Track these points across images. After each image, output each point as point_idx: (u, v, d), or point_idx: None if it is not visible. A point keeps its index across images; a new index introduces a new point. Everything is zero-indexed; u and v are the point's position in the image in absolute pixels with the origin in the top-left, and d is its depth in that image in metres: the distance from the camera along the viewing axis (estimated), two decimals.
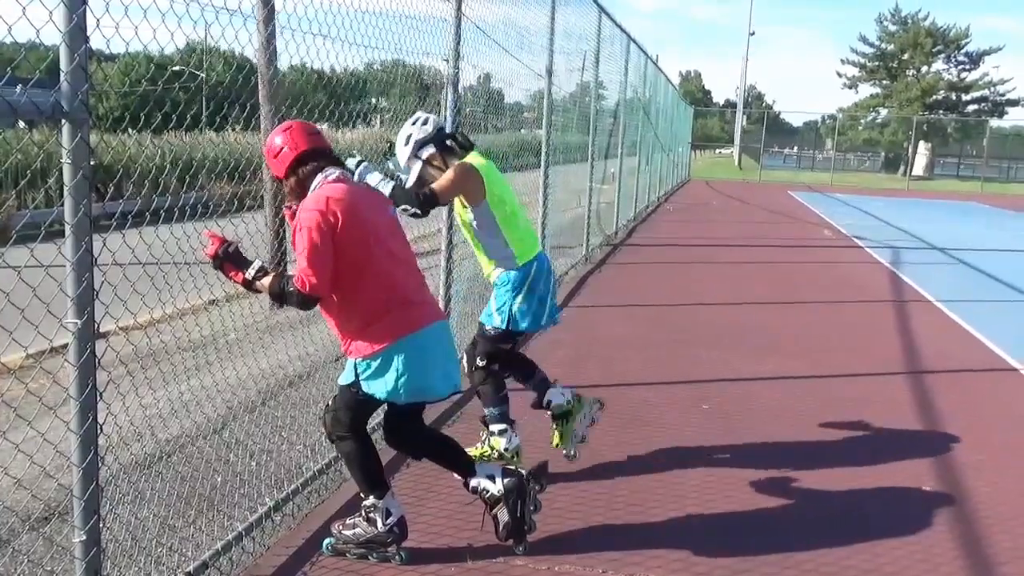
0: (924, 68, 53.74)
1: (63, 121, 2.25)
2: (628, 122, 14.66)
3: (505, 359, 4.20)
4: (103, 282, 2.47)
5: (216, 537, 3.25)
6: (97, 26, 2.32)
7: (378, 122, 6.32)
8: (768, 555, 3.50)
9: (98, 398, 2.47)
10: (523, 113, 10.09)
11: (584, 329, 7.61)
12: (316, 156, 3.13)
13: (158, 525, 3.41)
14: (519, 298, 4.03)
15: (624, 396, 5.60)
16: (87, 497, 2.45)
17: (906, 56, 53.69)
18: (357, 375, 3.14)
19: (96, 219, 2.37)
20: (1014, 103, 53.28)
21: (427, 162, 3.98)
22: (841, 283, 10.91)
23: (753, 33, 51.95)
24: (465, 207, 4.02)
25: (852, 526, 3.83)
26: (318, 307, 3.18)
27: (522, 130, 10.25)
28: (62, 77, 2.22)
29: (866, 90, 56.69)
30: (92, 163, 2.31)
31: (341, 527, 3.35)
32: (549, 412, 4.25)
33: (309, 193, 3.08)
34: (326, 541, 3.35)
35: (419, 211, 3.79)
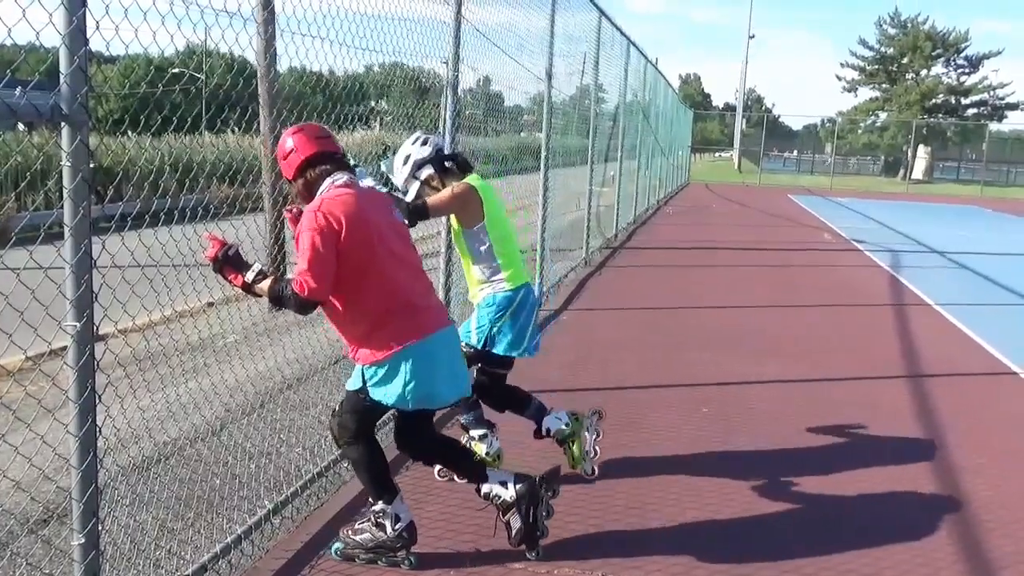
0: (923, 72, 53.80)
1: (62, 123, 2.25)
2: (628, 125, 14.67)
3: (498, 393, 4.18)
4: (102, 284, 2.46)
5: (215, 540, 3.24)
6: (97, 28, 2.31)
7: (377, 125, 6.33)
8: (768, 559, 3.50)
9: (97, 400, 2.46)
10: (523, 116, 10.09)
11: (583, 332, 7.61)
12: (325, 160, 3.12)
13: (156, 528, 3.41)
14: (500, 321, 4.00)
15: (623, 399, 5.59)
16: (86, 500, 2.45)
17: (906, 59, 53.74)
18: (364, 381, 3.13)
19: (95, 221, 2.36)
20: (1013, 107, 53.35)
21: (425, 182, 3.98)
22: (841, 286, 10.91)
23: (753, 36, 52.10)
24: (459, 227, 4.01)
25: (852, 530, 3.83)
26: (324, 313, 3.18)
27: (522, 133, 10.25)
28: (62, 79, 2.22)
29: (865, 93, 56.82)
30: (92, 165, 2.31)
31: (350, 532, 3.34)
32: (553, 439, 4.21)
33: (316, 196, 3.07)
34: (335, 546, 3.34)
35: (406, 221, 3.79)
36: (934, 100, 52.60)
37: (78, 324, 2.34)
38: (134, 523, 3.40)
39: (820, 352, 7.28)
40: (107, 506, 3.25)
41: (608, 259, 12.26)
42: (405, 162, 4.00)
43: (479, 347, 4.03)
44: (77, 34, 2.21)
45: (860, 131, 56.78)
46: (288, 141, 3.15)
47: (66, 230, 2.31)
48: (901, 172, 49.57)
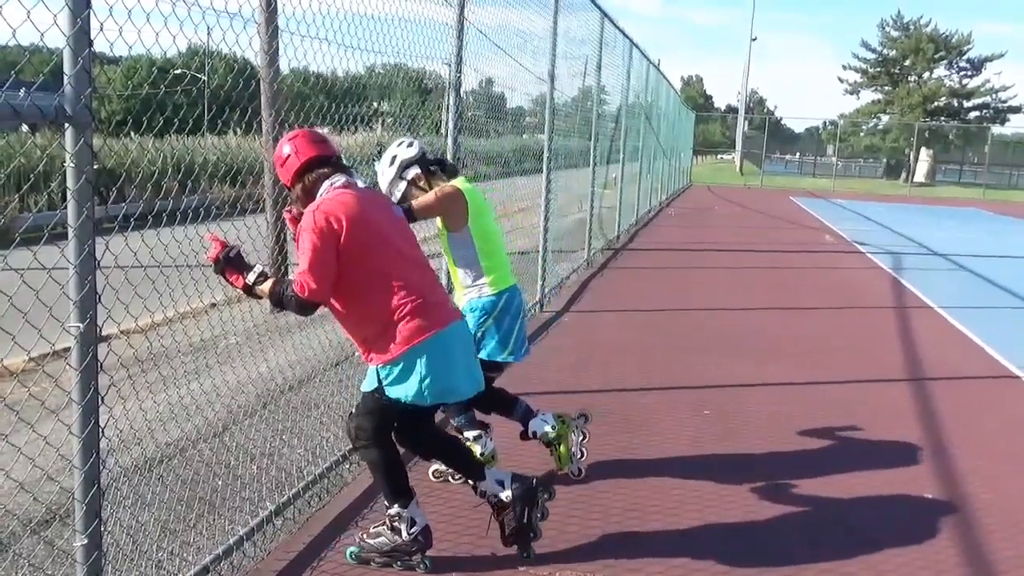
0: (926, 74, 53.75)
1: (66, 124, 2.26)
2: (630, 127, 14.67)
3: (485, 396, 4.17)
4: (105, 285, 2.47)
5: (217, 541, 3.24)
6: (101, 29, 2.32)
7: (379, 126, 6.33)
8: (768, 561, 3.50)
9: (100, 401, 2.46)
10: (525, 117, 10.10)
11: (585, 333, 7.61)
12: (322, 163, 3.14)
13: (159, 529, 3.41)
14: (484, 326, 3.98)
15: (624, 401, 5.59)
16: (88, 500, 2.45)
17: (908, 62, 53.71)
18: (380, 380, 3.12)
19: (99, 222, 2.37)
20: (1016, 110, 53.27)
21: (412, 183, 3.98)
22: (842, 288, 10.90)
23: (755, 39, 52.14)
24: (445, 230, 4.01)
25: (853, 533, 3.82)
26: (334, 316, 3.18)
27: (524, 135, 10.26)
28: (66, 80, 2.22)
29: (868, 96, 56.77)
30: (95, 166, 2.32)
31: (365, 536, 3.34)
32: (540, 441, 4.21)
33: (316, 199, 3.08)
34: (350, 550, 3.34)
35: None
36: (936, 103, 52.54)
37: (81, 325, 2.35)
38: (136, 524, 3.40)
39: (821, 354, 7.28)
40: (110, 507, 3.25)
41: (610, 260, 12.27)
42: (391, 163, 3.99)
43: None
44: (81, 35, 2.22)
45: (862, 134, 56.74)
46: (284, 147, 3.16)
47: (70, 231, 2.31)
48: (903, 175, 49.52)
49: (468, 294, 4.00)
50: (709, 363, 6.72)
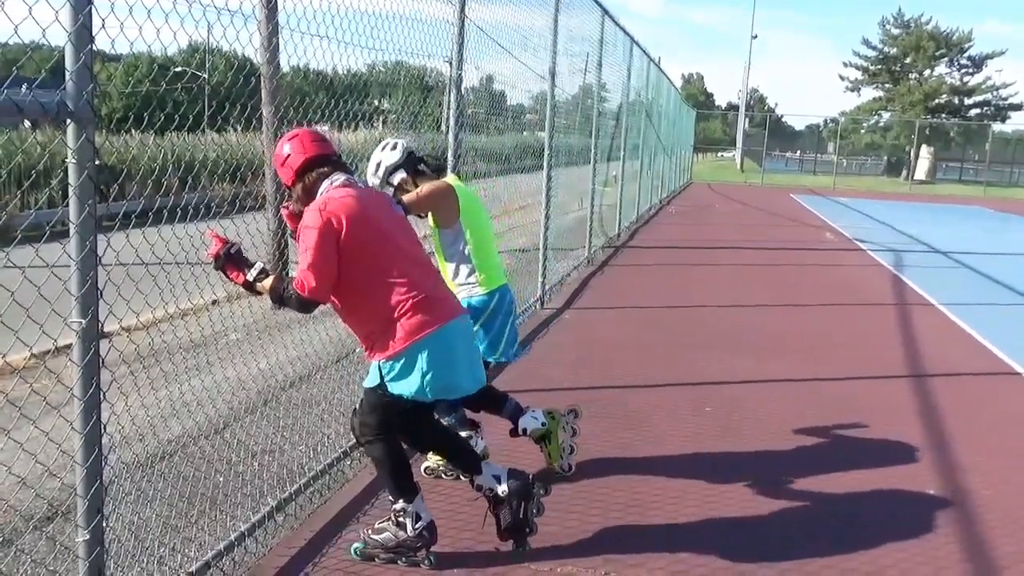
0: (927, 72, 53.73)
1: (68, 121, 2.26)
2: (630, 124, 14.66)
3: (474, 394, 4.17)
4: (106, 282, 2.47)
5: (219, 537, 3.25)
6: (102, 26, 2.32)
7: (380, 124, 6.33)
8: (769, 556, 3.50)
9: (102, 397, 2.47)
10: (525, 115, 10.10)
11: (585, 331, 7.62)
12: (322, 162, 3.15)
13: (161, 525, 3.42)
14: (475, 326, 3.95)
15: (625, 398, 5.60)
16: (90, 496, 2.46)
17: (909, 60, 53.68)
18: (382, 376, 3.13)
19: (99, 219, 2.37)
20: (1016, 107, 53.28)
21: (399, 188, 3.96)
22: (843, 286, 10.91)
23: (756, 36, 52.19)
24: (437, 227, 4.00)
25: (854, 528, 3.83)
26: (337, 313, 3.18)
27: (524, 132, 10.26)
28: (67, 77, 2.23)
29: (868, 93, 56.76)
30: (96, 163, 2.32)
31: (370, 532, 3.35)
32: (530, 437, 4.21)
33: (316, 198, 3.09)
34: (354, 546, 3.34)
35: None
36: (937, 100, 52.52)
37: (83, 321, 2.35)
38: (138, 520, 3.41)
39: (822, 350, 7.29)
40: (111, 503, 3.25)
41: (610, 258, 12.27)
42: (376, 170, 3.97)
43: None
44: (83, 32, 2.22)
45: (863, 131, 56.73)
46: (284, 147, 3.18)
47: (71, 227, 2.32)
48: (904, 172, 49.48)
49: (459, 293, 3.97)
50: (710, 360, 6.73)
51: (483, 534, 3.45)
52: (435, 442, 3.54)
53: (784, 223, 19.97)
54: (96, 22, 2.27)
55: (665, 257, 13.01)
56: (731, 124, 64.37)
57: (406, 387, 3.09)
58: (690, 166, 38.54)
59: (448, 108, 5.56)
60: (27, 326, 2.34)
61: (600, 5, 10.49)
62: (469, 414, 4.22)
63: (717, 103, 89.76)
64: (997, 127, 52.40)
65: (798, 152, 63.42)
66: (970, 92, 53.26)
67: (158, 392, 3.88)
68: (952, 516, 4.03)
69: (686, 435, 4.94)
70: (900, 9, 55.32)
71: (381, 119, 6.23)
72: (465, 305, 3.95)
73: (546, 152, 8.40)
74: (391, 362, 3.09)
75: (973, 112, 53.86)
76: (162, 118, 3.16)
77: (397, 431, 3.33)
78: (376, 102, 6.09)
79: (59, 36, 2.22)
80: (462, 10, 5.43)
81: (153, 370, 3.91)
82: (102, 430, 2.49)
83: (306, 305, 3.05)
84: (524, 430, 4.15)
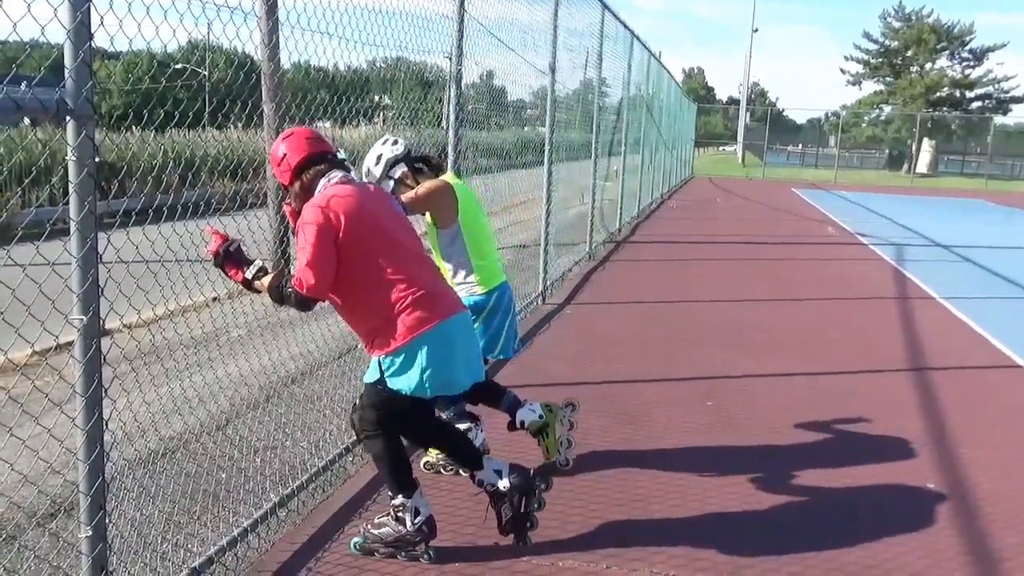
0: (928, 65, 53.63)
1: (68, 118, 2.26)
2: (631, 119, 14.64)
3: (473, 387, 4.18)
4: (107, 279, 2.48)
5: (221, 533, 3.26)
6: (101, 23, 2.32)
7: (381, 120, 6.33)
8: (769, 550, 3.51)
9: (103, 394, 2.48)
10: (526, 110, 10.09)
11: (587, 326, 7.62)
12: (318, 161, 3.15)
13: (163, 521, 3.43)
14: (475, 323, 3.94)
15: (626, 393, 5.60)
16: (93, 493, 2.47)
17: (910, 53, 53.58)
18: (382, 372, 3.14)
19: (100, 216, 2.38)
20: (1018, 100, 53.15)
21: (399, 181, 3.96)
22: (844, 280, 10.90)
23: (756, 30, 52.06)
24: (435, 226, 3.99)
25: (854, 521, 3.84)
26: (336, 309, 3.19)
27: (525, 127, 10.25)
28: (66, 74, 2.23)
29: (870, 87, 56.69)
30: (97, 160, 2.32)
31: (370, 526, 3.36)
32: (527, 431, 4.21)
33: (315, 196, 3.09)
34: (354, 541, 3.36)
35: None
36: (938, 93, 52.41)
37: (84, 318, 2.36)
38: (141, 516, 3.42)
39: (823, 345, 7.29)
40: (114, 499, 3.26)
41: (612, 253, 12.27)
42: (377, 162, 3.96)
43: None
44: (82, 29, 2.23)
45: (864, 125, 56.64)
46: (279, 148, 3.18)
47: (72, 224, 2.32)
48: (905, 166, 49.40)
49: (458, 292, 3.96)
50: (711, 354, 6.73)
51: (483, 529, 3.46)
52: (436, 438, 3.55)
53: (785, 217, 19.95)
54: (95, 19, 2.27)
55: (666, 252, 13.01)
56: (732, 118, 64.23)
57: (405, 383, 3.10)
58: (691, 160, 38.49)
59: (448, 104, 5.56)
60: (29, 323, 2.35)
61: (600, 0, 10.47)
62: (468, 408, 4.23)
63: (718, 97, 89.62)
64: (999, 120, 52.28)
65: (799, 146, 63.27)
66: (971, 85, 53.16)
67: (160, 389, 3.89)
68: (953, 510, 4.03)
69: (687, 429, 4.95)
70: (901, 2, 54.88)
71: (381, 116, 6.23)
72: (465, 304, 3.95)
73: (547, 147, 8.39)
74: (391, 358, 3.09)
75: (974, 105, 53.75)
76: (162, 115, 3.16)
77: (397, 428, 3.33)
78: (377, 98, 6.09)
79: (58, 34, 2.23)
80: (461, 5, 5.42)
81: (155, 367, 3.92)
82: (104, 427, 2.49)
83: (305, 302, 3.05)
84: (522, 423, 4.16)
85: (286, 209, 3.27)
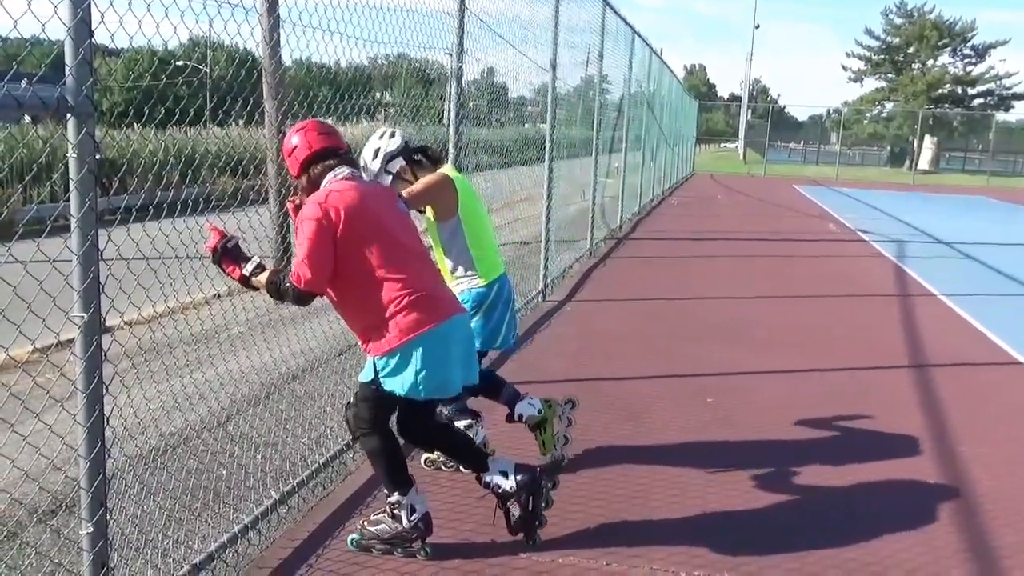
0: (930, 61, 53.55)
1: (68, 115, 2.27)
2: (632, 116, 14.63)
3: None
4: (108, 276, 2.48)
5: (222, 530, 3.27)
6: (101, 20, 2.33)
7: (382, 116, 6.33)
8: (769, 546, 3.51)
9: (104, 391, 2.48)
10: (527, 107, 10.08)
11: (587, 322, 7.62)
12: (329, 155, 3.15)
13: (164, 518, 3.43)
14: (474, 317, 3.94)
15: (626, 389, 5.61)
16: (94, 489, 2.47)
17: (912, 49, 53.50)
18: (376, 372, 3.13)
19: (101, 213, 2.38)
20: (1020, 97, 53.07)
21: (398, 175, 3.93)
22: (845, 277, 10.90)
23: (758, 27, 52.00)
24: (435, 219, 3.99)
25: (854, 518, 3.84)
26: (333, 306, 3.19)
27: (526, 124, 10.24)
28: (67, 71, 2.23)
29: (871, 84, 56.62)
30: (97, 157, 2.33)
31: (366, 523, 3.37)
32: (525, 424, 4.22)
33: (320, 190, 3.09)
34: (351, 537, 3.36)
35: None
36: (940, 90, 52.34)
37: (85, 315, 2.36)
38: (142, 513, 3.42)
39: (824, 342, 7.29)
40: (115, 496, 3.27)
41: (613, 250, 12.27)
42: (375, 156, 3.92)
43: None
44: (82, 26, 2.23)
45: (866, 121, 56.56)
46: (293, 138, 3.18)
47: (72, 221, 2.33)
48: (907, 162, 49.36)
49: (458, 285, 3.97)
50: (711, 351, 6.73)
51: (483, 525, 3.47)
52: (436, 440, 3.54)
53: (787, 214, 19.94)
54: (95, 16, 2.27)
55: (667, 249, 13.00)
56: (734, 115, 64.15)
57: (399, 384, 3.09)
58: (692, 157, 38.47)
59: (449, 101, 5.55)
60: (29, 320, 2.35)
61: None
62: (470, 403, 4.24)
63: (719, 94, 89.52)
64: (1000, 117, 52.23)
65: (801, 143, 63.17)
66: (973, 82, 53.08)
67: (160, 385, 3.89)
68: (954, 507, 4.03)
69: (687, 426, 4.95)
70: None
71: (383, 112, 6.23)
72: (465, 297, 3.95)
73: (548, 144, 8.39)
74: (386, 358, 3.09)
75: (976, 102, 53.67)
76: (163, 112, 3.16)
77: (399, 428, 3.34)
78: (378, 95, 6.09)
79: (59, 31, 2.23)
80: (462, 1, 5.42)
81: (155, 363, 3.93)
82: (105, 423, 2.50)
83: (302, 298, 3.04)
84: (520, 416, 4.16)
85: (288, 205, 3.26)
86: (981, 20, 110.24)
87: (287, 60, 4.56)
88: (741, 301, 9.03)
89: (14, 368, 4.49)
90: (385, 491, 3.35)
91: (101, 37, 2.35)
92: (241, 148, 4.03)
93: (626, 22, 12.90)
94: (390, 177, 3.92)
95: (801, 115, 76.60)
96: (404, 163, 3.94)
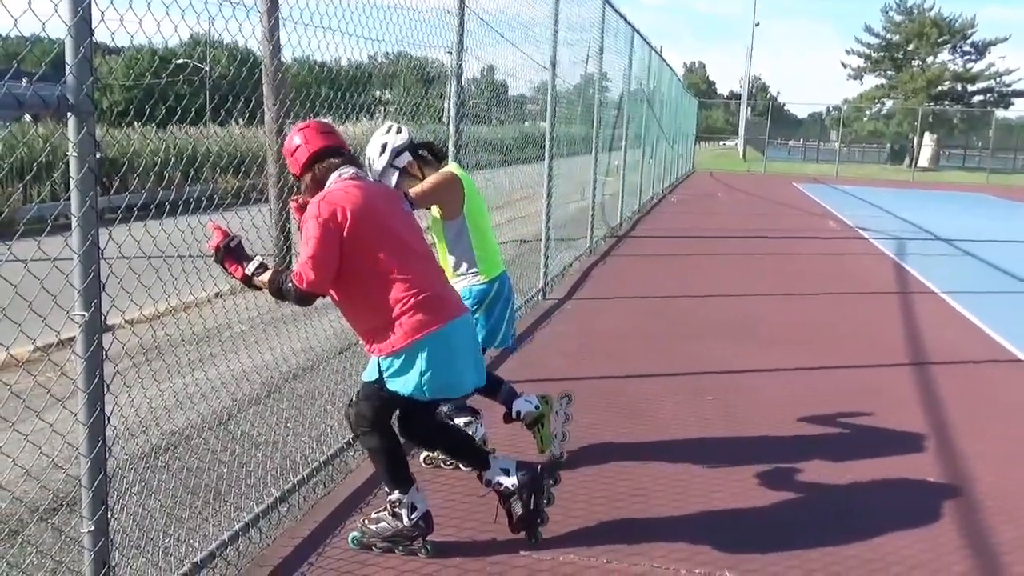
0: (930, 59, 53.52)
1: (69, 114, 2.26)
2: (632, 114, 14.62)
3: None
4: (109, 275, 2.48)
5: (223, 528, 3.27)
6: (102, 19, 2.32)
7: (382, 115, 6.33)
8: (770, 544, 3.51)
9: (105, 390, 2.48)
10: (527, 105, 10.08)
11: (587, 321, 7.62)
12: (332, 154, 3.14)
13: (165, 516, 3.44)
14: (475, 314, 3.93)
15: (627, 388, 5.61)
16: (95, 487, 2.47)
17: (911, 46, 53.47)
18: (380, 372, 3.13)
19: (101, 212, 2.38)
20: (1020, 94, 53.10)
21: (404, 171, 3.90)
22: (846, 274, 10.89)
23: (758, 24, 51.99)
24: (441, 218, 3.98)
25: (855, 516, 3.84)
26: (337, 307, 3.18)
27: (526, 122, 10.24)
28: (67, 70, 2.23)
29: (871, 81, 56.61)
30: (98, 156, 2.33)
31: (367, 522, 3.37)
32: (522, 422, 4.22)
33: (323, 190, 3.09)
34: (352, 535, 3.36)
35: None
36: (940, 87, 52.33)
37: (86, 314, 2.36)
38: (143, 511, 3.43)
39: (824, 339, 7.29)
40: (116, 494, 3.27)
41: (613, 248, 12.27)
42: (382, 152, 3.88)
43: None
44: (82, 24, 2.23)
45: (866, 119, 56.54)
46: (295, 138, 3.17)
47: (73, 220, 2.32)
48: (907, 160, 49.35)
49: (459, 282, 3.97)
50: (712, 349, 6.73)
51: (484, 523, 3.47)
52: (436, 439, 3.54)
53: (786, 211, 19.93)
54: (96, 15, 2.27)
55: (667, 247, 13.00)
56: (733, 113, 64.17)
57: (403, 385, 3.09)
58: (692, 155, 38.46)
59: (449, 99, 5.55)
60: (30, 319, 2.35)
61: None
62: (469, 401, 4.24)
63: (719, 92, 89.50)
64: (1000, 114, 52.16)
65: (800, 140, 63.16)
66: (973, 79, 53.06)
67: (161, 384, 3.89)
68: (954, 503, 4.03)
69: (688, 424, 4.95)
70: None
71: (383, 111, 6.22)
72: (466, 294, 3.95)
73: (547, 142, 8.38)
74: (390, 359, 3.08)
75: (976, 99, 53.66)
76: (163, 111, 3.16)
77: (400, 428, 3.34)
78: (378, 93, 6.09)
79: (59, 29, 2.23)
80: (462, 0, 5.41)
81: (156, 362, 3.93)
82: (106, 422, 2.50)
83: (304, 298, 3.02)
84: (518, 413, 4.16)
85: (292, 205, 3.25)
86: (981, 17, 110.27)
87: (287, 58, 4.56)
88: (742, 299, 9.03)
89: (15, 367, 4.50)
90: (386, 489, 3.36)
91: (101, 35, 2.35)
92: (243, 147, 4.03)
93: (626, 20, 12.89)
94: (396, 172, 3.88)
95: (801, 112, 76.70)
96: (411, 158, 3.92)
